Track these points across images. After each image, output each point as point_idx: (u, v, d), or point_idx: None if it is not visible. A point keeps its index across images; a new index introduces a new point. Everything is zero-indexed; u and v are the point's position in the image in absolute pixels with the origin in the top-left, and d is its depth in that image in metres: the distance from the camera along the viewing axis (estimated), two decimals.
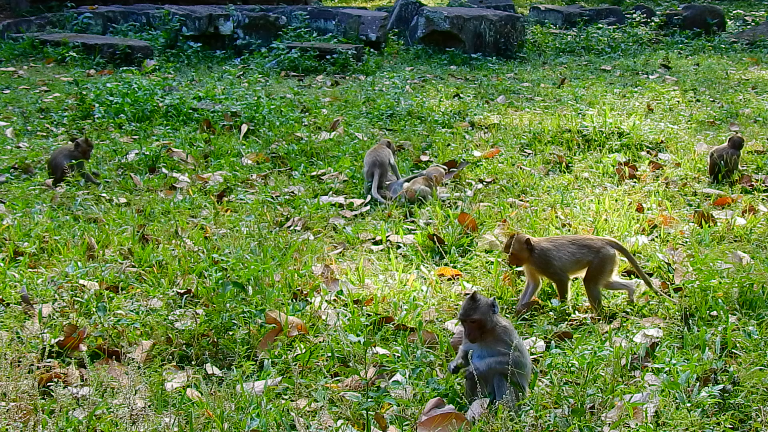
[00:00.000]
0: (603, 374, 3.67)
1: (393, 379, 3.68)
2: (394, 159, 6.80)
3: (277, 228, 5.70)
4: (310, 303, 4.39)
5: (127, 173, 6.91)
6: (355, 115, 9.04)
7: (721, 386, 3.46)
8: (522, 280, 4.85)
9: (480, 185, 6.73)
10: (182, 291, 4.50)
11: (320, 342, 4.02)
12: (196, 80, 11.28)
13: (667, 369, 3.60)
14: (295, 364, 3.79)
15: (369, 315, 4.30)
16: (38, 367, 3.68)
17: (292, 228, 5.73)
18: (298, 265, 4.90)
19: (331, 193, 6.55)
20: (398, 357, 3.89)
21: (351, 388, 3.63)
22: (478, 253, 5.25)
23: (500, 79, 11.90)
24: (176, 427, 3.21)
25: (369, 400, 3.42)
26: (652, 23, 16.75)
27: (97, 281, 4.58)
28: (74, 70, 11.06)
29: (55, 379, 3.58)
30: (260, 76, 11.50)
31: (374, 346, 3.95)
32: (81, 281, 4.56)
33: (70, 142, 7.08)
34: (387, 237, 5.50)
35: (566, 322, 4.35)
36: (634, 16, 17.04)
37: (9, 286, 4.53)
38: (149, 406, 3.43)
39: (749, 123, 9.08)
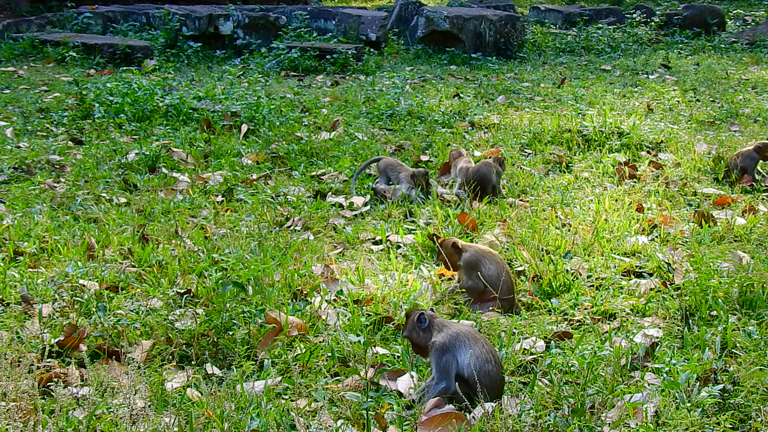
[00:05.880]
0: (603, 374, 3.67)
1: (399, 378, 3.68)
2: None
3: (277, 228, 5.70)
4: (310, 303, 4.39)
5: (128, 173, 6.91)
6: (355, 115, 9.04)
7: (721, 386, 3.47)
8: (522, 279, 4.85)
9: None
10: (182, 291, 4.50)
11: (320, 342, 4.02)
12: (196, 80, 11.28)
13: (667, 369, 3.60)
14: (295, 364, 3.79)
15: (369, 315, 4.29)
16: (38, 367, 3.67)
17: (292, 228, 5.73)
18: (298, 265, 4.90)
19: (330, 193, 6.55)
20: (398, 357, 3.89)
21: (351, 388, 3.63)
22: None
23: (500, 79, 11.90)
24: (176, 427, 3.21)
25: (369, 400, 3.43)
26: (652, 23, 16.75)
27: (97, 281, 4.58)
28: (74, 70, 11.06)
29: (55, 379, 3.57)
30: (260, 76, 11.50)
31: (374, 346, 3.95)
32: (81, 281, 4.56)
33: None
34: (387, 237, 5.50)
35: (566, 322, 4.35)
36: (634, 16, 17.04)
37: (9, 286, 4.53)
38: (149, 406, 3.43)
39: (749, 123, 9.09)
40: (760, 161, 6.84)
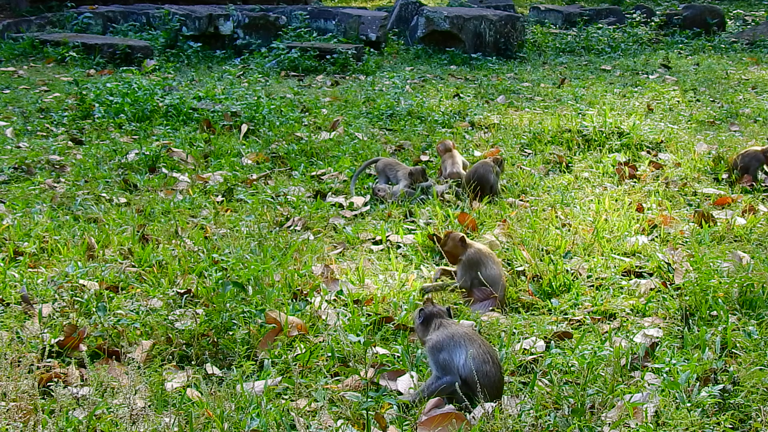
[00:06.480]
0: (603, 374, 3.67)
1: (399, 378, 3.69)
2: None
3: (277, 228, 5.70)
4: (310, 303, 4.39)
5: (128, 173, 6.91)
6: (355, 115, 9.04)
7: (721, 386, 3.46)
8: (522, 280, 4.85)
9: None
10: (182, 291, 4.50)
11: (320, 342, 4.02)
12: (196, 80, 11.28)
13: (667, 369, 3.60)
14: (295, 364, 3.79)
15: (369, 315, 4.29)
16: (38, 367, 3.67)
17: (292, 228, 5.73)
18: (298, 265, 4.90)
19: (330, 193, 6.55)
20: (398, 357, 3.89)
21: (351, 388, 3.63)
22: None
23: (500, 79, 11.90)
24: (176, 427, 3.21)
25: (369, 400, 3.43)
26: (652, 23, 16.75)
27: (97, 281, 4.58)
28: (74, 70, 11.05)
29: (55, 379, 3.57)
30: (260, 76, 11.50)
31: (374, 346, 3.95)
32: (81, 281, 4.56)
33: None
34: (387, 237, 5.50)
35: (566, 322, 4.35)
36: (634, 16, 17.04)
37: (9, 286, 4.53)
38: (149, 406, 3.43)
39: (749, 123, 9.08)
40: (765, 164, 6.83)
